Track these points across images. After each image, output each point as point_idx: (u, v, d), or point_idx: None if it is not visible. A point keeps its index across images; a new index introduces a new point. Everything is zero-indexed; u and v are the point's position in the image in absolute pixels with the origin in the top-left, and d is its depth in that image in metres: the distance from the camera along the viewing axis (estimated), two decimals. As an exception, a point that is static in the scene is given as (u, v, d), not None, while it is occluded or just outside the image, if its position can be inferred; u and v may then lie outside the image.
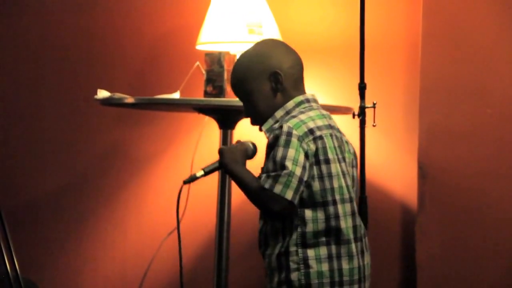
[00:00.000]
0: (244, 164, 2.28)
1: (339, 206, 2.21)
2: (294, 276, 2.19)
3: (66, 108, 3.81)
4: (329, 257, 2.20)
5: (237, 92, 2.33)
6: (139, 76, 3.80)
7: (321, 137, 2.21)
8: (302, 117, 2.22)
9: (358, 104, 3.06)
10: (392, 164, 3.63)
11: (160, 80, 3.73)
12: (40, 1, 3.81)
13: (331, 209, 2.20)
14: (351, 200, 2.24)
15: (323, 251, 2.19)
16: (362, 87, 3.07)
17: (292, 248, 2.19)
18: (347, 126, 3.48)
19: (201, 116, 3.43)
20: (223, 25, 3.36)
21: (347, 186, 2.24)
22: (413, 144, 3.51)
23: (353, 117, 3.06)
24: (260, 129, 2.31)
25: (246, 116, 2.34)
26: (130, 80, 3.79)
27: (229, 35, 3.36)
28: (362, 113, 3.03)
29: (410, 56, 3.59)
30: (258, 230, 2.29)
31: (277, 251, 2.21)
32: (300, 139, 2.18)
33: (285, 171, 2.15)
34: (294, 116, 2.23)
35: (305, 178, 2.17)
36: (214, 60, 3.27)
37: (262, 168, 2.22)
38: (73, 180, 3.82)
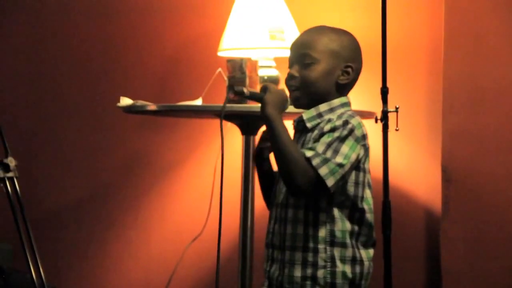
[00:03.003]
0: (282, 113, 2.20)
1: (369, 215, 2.23)
2: (320, 273, 2.18)
3: (89, 116, 3.82)
4: (353, 260, 2.20)
5: (307, 51, 2.24)
6: (162, 83, 3.81)
7: (368, 146, 2.23)
8: (359, 119, 2.22)
9: (381, 109, 3.05)
10: (416, 168, 3.61)
11: (182, 87, 3.73)
12: (63, 10, 3.83)
13: (357, 214, 2.21)
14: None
15: (348, 252, 2.19)
16: (384, 91, 3.06)
17: (321, 245, 2.18)
18: (370, 130, 3.46)
19: (224, 122, 3.43)
20: (245, 32, 3.36)
21: (372, 198, 2.25)
22: (437, 148, 3.49)
23: (376, 121, 3.05)
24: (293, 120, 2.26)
25: (289, 83, 2.25)
26: (152, 88, 3.80)
27: (250, 41, 3.36)
28: (384, 118, 3.03)
29: (432, 59, 3.58)
30: (274, 219, 2.25)
31: (302, 245, 2.19)
32: (358, 140, 2.18)
33: (336, 161, 2.12)
34: (352, 116, 2.20)
35: (346, 177, 2.17)
36: (236, 67, 3.27)
37: (308, 147, 2.16)
38: (96, 187, 3.83)
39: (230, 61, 3.30)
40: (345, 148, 2.14)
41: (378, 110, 3.09)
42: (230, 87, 2.25)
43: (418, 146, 3.61)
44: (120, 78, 3.80)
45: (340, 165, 2.12)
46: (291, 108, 2.29)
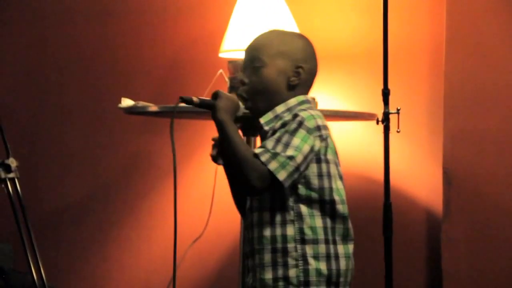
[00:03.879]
0: (233, 118, 2.18)
1: (341, 206, 2.18)
2: (292, 272, 2.14)
3: (90, 117, 3.82)
4: (328, 256, 2.15)
5: (256, 54, 2.24)
6: (163, 85, 3.81)
7: (326, 137, 2.18)
8: (312, 112, 2.19)
9: (382, 110, 3.06)
10: (417, 170, 3.61)
11: (184, 88, 3.73)
12: (64, 12, 3.84)
13: (328, 207, 2.16)
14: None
15: (321, 249, 2.15)
16: (385, 93, 3.07)
17: (291, 244, 2.14)
18: (371, 132, 3.48)
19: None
20: (246, 33, 3.36)
21: (343, 189, 2.21)
22: (438, 150, 3.49)
23: (377, 123, 3.06)
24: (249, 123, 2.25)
25: (241, 89, 2.24)
26: (153, 89, 3.80)
27: (252, 42, 3.36)
28: (386, 119, 3.03)
29: (434, 61, 3.58)
30: (245, 225, 2.22)
31: (270, 247, 2.16)
32: (310, 131, 2.14)
33: (286, 154, 2.10)
34: (303, 110, 2.18)
35: (302, 169, 2.13)
36: (237, 68, 3.27)
37: (259, 146, 2.15)
38: (97, 188, 3.83)
39: (232, 62, 3.30)
40: (295, 140, 2.12)
41: (379, 112, 3.09)
42: (180, 97, 2.23)
43: (419, 147, 3.61)
44: (121, 79, 3.80)
45: (291, 158, 2.10)
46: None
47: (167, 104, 3.38)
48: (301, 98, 2.25)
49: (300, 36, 2.33)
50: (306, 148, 2.13)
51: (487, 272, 3.41)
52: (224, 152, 2.17)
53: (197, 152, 3.77)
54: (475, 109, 3.43)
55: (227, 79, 3.33)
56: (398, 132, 3.02)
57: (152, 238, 3.78)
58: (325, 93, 3.62)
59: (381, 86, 3.08)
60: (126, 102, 3.26)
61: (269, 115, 2.22)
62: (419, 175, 3.61)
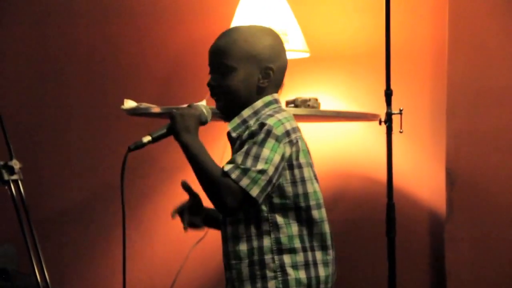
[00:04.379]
0: (197, 133, 2.12)
1: (316, 212, 2.12)
2: (271, 284, 2.09)
3: (93, 119, 3.82)
4: (306, 264, 2.10)
5: (222, 57, 2.14)
6: (165, 86, 3.81)
7: (296, 140, 2.11)
8: (279, 116, 2.11)
9: (385, 111, 3.06)
10: (420, 171, 3.61)
11: (186, 89, 3.74)
12: (67, 13, 3.84)
13: (303, 214, 2.11)
14: (324, 206, 2.15)
15: (299, 257, 2.10)
16: (388, 94, 3.07)
17: (268, 256, 2.09)
18: (374, 132, 3.48)
19: (227, 124, 3.43)
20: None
21: (320, 191, 2.15)
22: (441, 150, 3.49)
23: (380, 123, 3.06)
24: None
25: (212, 92, 2.17)
26: (156, 90, 3.80)
27: (254, 43, 3.36)
28: (388, 120, 3.03)
29: (437, 62, 3.58)
30: (222, 238, 2.17)
31: (247, 260, 2.11)
32: (279, 139, 2.07)
33: (256, 168, 2.03)
34: (271, 115, 2.11)
35: (274, 180, 2.06)
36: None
37: (228, 161, 2.09)
38: (100, 190, 3.84)
39: (234, 64, 3.30)
40: (265, 151, 2.05)
41: (382, 112, 3.09)
42: (128, 147, 2.21)
43: (422, 148, 3.61)
44: (124, 80, 3.80)
45: (262, 172, 2.03)
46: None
47: (170, 106, 3.38)
48: (267, 99, 2.16)
49: (266, 32, 2.20)
50: (276, 159, 2.05)
51: (490, 271, 3.41)
52: (194, 173, 2.11)
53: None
54: (478, 110, 3.43)
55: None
56: (400, 132, 3.02)
57: (155, 239, 3.78)
58: (328, 94, 3.62)
59: (384, 87, 3.08)
60: (129, 104, 3.26)
61: (235, 121, 2.15)
62: (422, 176, 3.61)
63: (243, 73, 2.15)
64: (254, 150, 2.05)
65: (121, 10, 3.82)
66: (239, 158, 2.05)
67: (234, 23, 3.43)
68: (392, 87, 3.07)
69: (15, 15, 3.86)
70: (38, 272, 1.84)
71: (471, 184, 3.43)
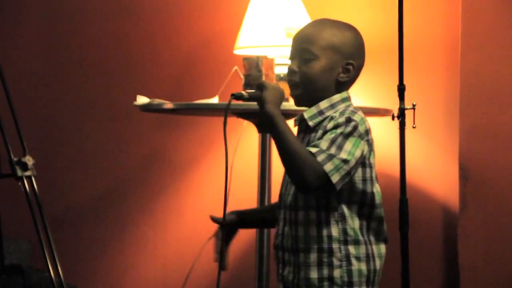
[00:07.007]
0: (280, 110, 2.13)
1: (378, 210, 2.21)
2: (337, 273, 2.15)
3: (106, 115, 3.83)
4: (367, 256, 2.18)
5: (307, 46, 2.18)
6: (178, 82, 3.82)
7: (372, 141, 2.18)
8: (361, 114, 2.17)
9: (398, 106, 3.05)
10: (433, 166, 3.60)
11: (199, 85, 3.74)
12: (78, 10, 3.85)
13: (366, 210, 2.18)
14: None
15: (362, 249, 2.17)
16: (401, 89, 3.06)
17: (335, 245, 2.15)
18: (387, 128, 3.47)
19: (240, 120, 3.43)
20: (261, 29, 3.36)
21: (379, 192, 2.23)
22: (454, 145, 3.48)
23: (393, 119, 3.05)
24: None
25: (290, 78, 2.19)
26: (168, 86, 3.80)
27: (267, 39, 3.36)
28: (401, 115, 3.02)
29: (450, 56, 3.56)
30: (283, 221, 2.21)
31: (317, 246, 2.16)
32: (361, 136, 2.13)
33: (340, 156, 2.09)
34: (354, 112, 2.15)
35: (352, 173, 2.12)
36: (252, 65, 3.27)
37: (312, 145, 2.12)
38: (113, 186, 3.84)
39: (246, 59, 3.30)
40: (348, 144, 2.10)
41: (395, 107, 3.08)
42: (232, 94, 2.17)
43: (435, 143, 3.60)
44: (136, 76, 3.81)
45: (345, 161, 2.08)
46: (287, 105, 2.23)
47: (182, 102, 3.39)
48: (344, 95, 2.22)
49: (351, 28, 2.26)
50: (358, 153, 2.11)
51: (504, 267, 3.40)
52: (276, 147, 2.12)
53: (213, 149, 3.77)
54: (491, 105, 3.42)
55: (242, 76, 3.33)
56: (413, 127, 3.01)
57: (168, 235, 3.79)
58: (340, 89, 3.61)
59: (397, 82, 3.07)
60: (142, 100, 3.27)
61: (312, 110, 2.20)
62: (435, 171, 3.60)
63: (325, 63, 2.19)
64: (339, 140, 2.10)
65: (133, 7, 3.82)
66: (324, 144, 2.10)
67: (246, 19, 3.43)
68: (405, 82, 3.06)
69: (28, 13, 3.87)
70: (52, 268, 1.85)
71: (484, 179, 3.42)
